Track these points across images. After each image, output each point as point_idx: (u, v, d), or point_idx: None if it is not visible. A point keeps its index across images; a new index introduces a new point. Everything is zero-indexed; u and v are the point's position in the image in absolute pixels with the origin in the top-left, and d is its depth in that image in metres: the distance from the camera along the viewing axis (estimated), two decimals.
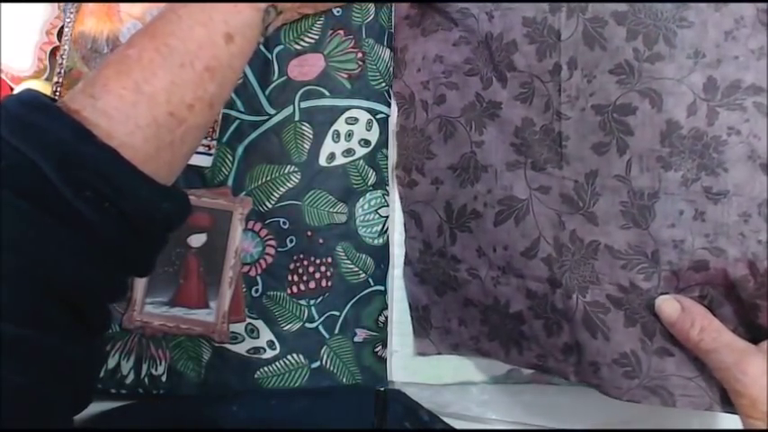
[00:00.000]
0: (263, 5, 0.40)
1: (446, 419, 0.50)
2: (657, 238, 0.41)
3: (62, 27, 0.49)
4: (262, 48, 0.49)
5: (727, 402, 0.40)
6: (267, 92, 0.49)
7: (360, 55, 0.50)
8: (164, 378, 0.48)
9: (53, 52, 0.50)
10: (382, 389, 0.48)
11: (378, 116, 0.50)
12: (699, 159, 0.40)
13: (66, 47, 0.48)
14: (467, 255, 0.47)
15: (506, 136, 0.45)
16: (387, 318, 0.50)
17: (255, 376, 0.48)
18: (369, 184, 0.50)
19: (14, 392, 0.29)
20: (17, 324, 0.30)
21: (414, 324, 0.51)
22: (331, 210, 0.50)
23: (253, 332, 0.49)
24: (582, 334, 0.43)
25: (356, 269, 0.49)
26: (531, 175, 0.44)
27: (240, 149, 0.49)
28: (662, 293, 0.41)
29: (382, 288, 0.50)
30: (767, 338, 0.38)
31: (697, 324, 0.39)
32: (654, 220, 0.41)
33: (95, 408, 0.45)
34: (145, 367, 0.49)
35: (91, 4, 0.48)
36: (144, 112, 0.35)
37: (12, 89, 0.50)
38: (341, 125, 0.50)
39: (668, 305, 0.40)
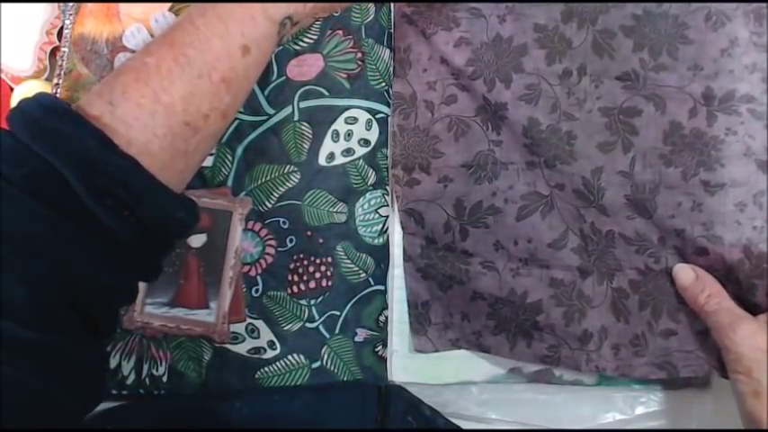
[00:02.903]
0: (279, 18, 0.40)
1: None
2: (661, 226, 0.46)
3: (62, 27, 0.49)
4: None
5: (724, 368, 0.44)
6: (266, 92, 0.49)
7: (359, 55, 0.50)
8: (164, 378, 0.48)
9: (53, 52, 0.50)
10: (384, 385, 0.49)
11: (377, 116, 0.50)
12: (698, 156, 0.45)
13: (65, 48, 0.48)
14: (480, 249, 0.48)
15: (518, 137, 0.48)
16: (387, 317, 0.50)
17: (256, 376, 0.48)
18: (368, 183, 0.50)
19: (29, 393, 0.30)
20: (33, 326, 0.30)
21: (411, 321, 0.51)
22: (331, 209, 0.50)
23: (253, 332, 0.49)
24: (608, 318, 0.47)
25: (356, 269, 0.49)
26: (547, 173, 0.47)
27: (240, 149, 0.49)
28: (671, 274, 0.46)
29: (382, 288, 0.50)
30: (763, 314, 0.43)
31: (707, 290, 0.44)
32: (656, 211, 0.45)
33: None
34: (146, 368, 0.49)
35: (90, 6, 0.48)
36: (161, 121, 0.36)
37: (12, 89, 0.50)
38: (340, 125, 0.50)
39: (684, 272, 0.45)
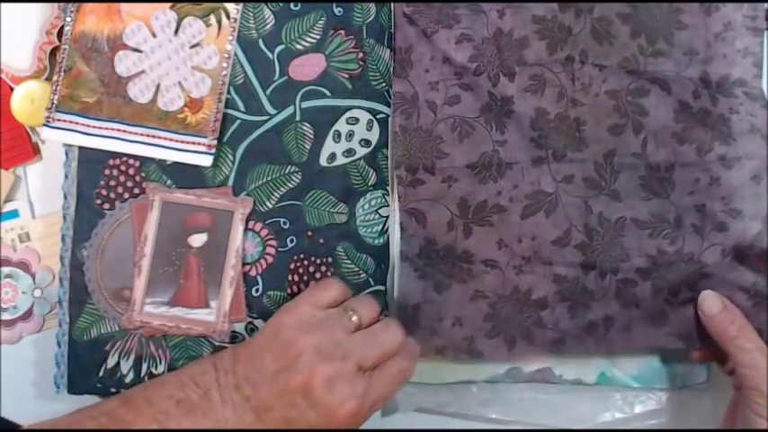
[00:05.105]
0: None
1: (446, 419, 0.50)
2: (679, 205, 0.47)
3: (62, 27, 0.49)
4: (263, 47, 0.49)
5: None
6: (268, 92, 0.49)
7: (361, 55, 0.50)
8: None
9: (53, 52, 0.50)
10: None
11: (378, 116, 0.50)
12: (711, 132, 0.46)
13: (65, 46, 0.48)
14: (483, 247, 0.49)
15: (525, 131, 0.49)
16: (387, 318, 0.50)
17: None
18: (369, 184, 0.50)
19: None
20: None
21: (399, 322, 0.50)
22: (331, 210, 0.50)
23: (253, 332, 0.49)
24: (613, 307, 0.48)
25: (357, 269, 0.49)
26: (554, 167, 0.48)
27: (241, 149, 0.49)
28: (686, 254, 0.47)
29: (382, 288, 0.50)
30: None
31: (737, 322, 0.44)
32: (674, 189, 0.47)
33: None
34: (145, 366, 0.49)
35: (91, 3, 0.48)
36: None
37: (12, 89, 0.50)
38: (342, 125, 0.50)
39: (712, 301, 0.45)
